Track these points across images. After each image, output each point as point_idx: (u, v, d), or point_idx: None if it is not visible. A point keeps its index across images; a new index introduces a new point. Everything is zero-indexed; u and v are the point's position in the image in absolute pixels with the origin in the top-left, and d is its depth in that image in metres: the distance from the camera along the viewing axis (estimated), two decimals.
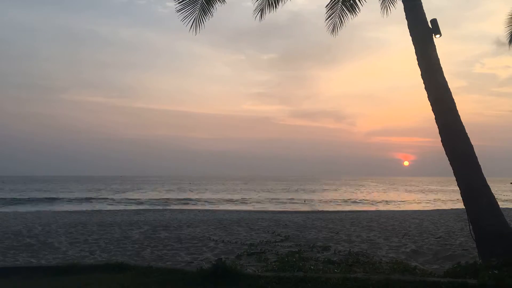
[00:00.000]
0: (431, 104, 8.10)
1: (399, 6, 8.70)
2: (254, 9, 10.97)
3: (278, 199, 44.04)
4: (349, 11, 11.06)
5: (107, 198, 43.56)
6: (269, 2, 10.87)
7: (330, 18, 11.18)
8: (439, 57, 8.19)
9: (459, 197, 8.00)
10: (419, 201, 41.02)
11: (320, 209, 30.30)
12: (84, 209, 29.65)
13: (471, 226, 7.64)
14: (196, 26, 10.38)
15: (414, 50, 8.35)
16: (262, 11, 10.98)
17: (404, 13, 8.57)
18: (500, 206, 7.75)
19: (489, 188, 7.62)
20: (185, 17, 10.26)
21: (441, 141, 7.96)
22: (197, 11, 10.34)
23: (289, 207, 32.54)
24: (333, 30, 11.29)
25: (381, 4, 11.16)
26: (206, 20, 10.48)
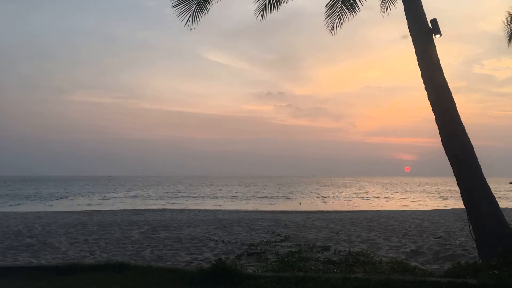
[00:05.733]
0: (431, 104, 8.09)
1: (400, 5, 8.70)
2: (255, 9, 10.97)
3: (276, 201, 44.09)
4: (348, 10, 11.06)
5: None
6: (270, 2, 10.86)
7: (329, 17, 11.19)
8: (439, 57, 8.20)
9: (459, 197, 8.00)
10: (418, 202, 40.95)
11: (320, 209, 30.27)
12: (84, 209, 29.66)
13: (471, 226, 7.63)
14: (192, 22, 10.39)
15: (414, 50, 8.36)
16: (263, 11, 10.96)
17: (404, 13, 8.57)
18: (500, 206, 7.75)
19: (489, 188, 7.61)
20: (180, 13, 10.28)
21: (441, 141, 7.96)
22: (193, 7, 10.35)
23: (285, 208, 32.48)
24: (332, 29, 11.31)
25: (381, 3, 11.15)
26: (202, 16, 10.50)
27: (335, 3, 11.00)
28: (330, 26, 11.26)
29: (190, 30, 10.38)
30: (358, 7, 10.98)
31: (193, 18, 10.38)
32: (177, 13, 10.21)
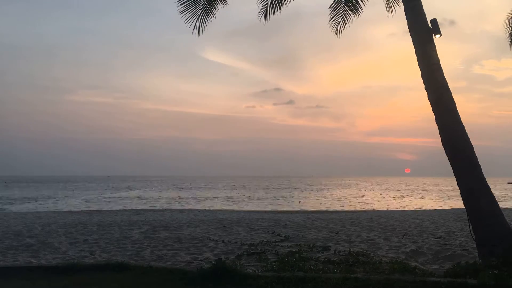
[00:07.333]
0: (431, 104, 8.09)
1: (402, 4, 8.69)
2: (258, 11, 10.96)
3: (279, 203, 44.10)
4: (352, 11, 11.04)
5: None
6: (272, 3, 10.86)
7: (333, 18, 11.17)
8: (439, 57, 8.21)
9: (459, 196, 8.00)
10: (418, 201, 40.95)
11: (320, 209, 30.27)
12: (83, 209, 29.68)
13: (471, 226, 7.64)
14: (199, 27, 10.41)
15: (414, 50, 8.36)
16: (266, 12, 10.95)
17: (404, 12, 8.57)
18: (500, 206, 7.75)
19: (489, 188, 7.62)
20: (187, 19, 10.30)
21: (441, 141, 7.96)
22: (199, 13, 10.35)
23: (286, 207, 32.47)
24: (336, 30, 11.29)
25: (385, 3, 11.14)
26: (209, 21, 10.52)
27: (338, 4, 10.98)
28: (335, 28, 11.25)
29: (198, 36, 10.42)
30: (361, 8, 10.95)
31: (199, 24, 10.41)
32: (184, 19, 10.25)
